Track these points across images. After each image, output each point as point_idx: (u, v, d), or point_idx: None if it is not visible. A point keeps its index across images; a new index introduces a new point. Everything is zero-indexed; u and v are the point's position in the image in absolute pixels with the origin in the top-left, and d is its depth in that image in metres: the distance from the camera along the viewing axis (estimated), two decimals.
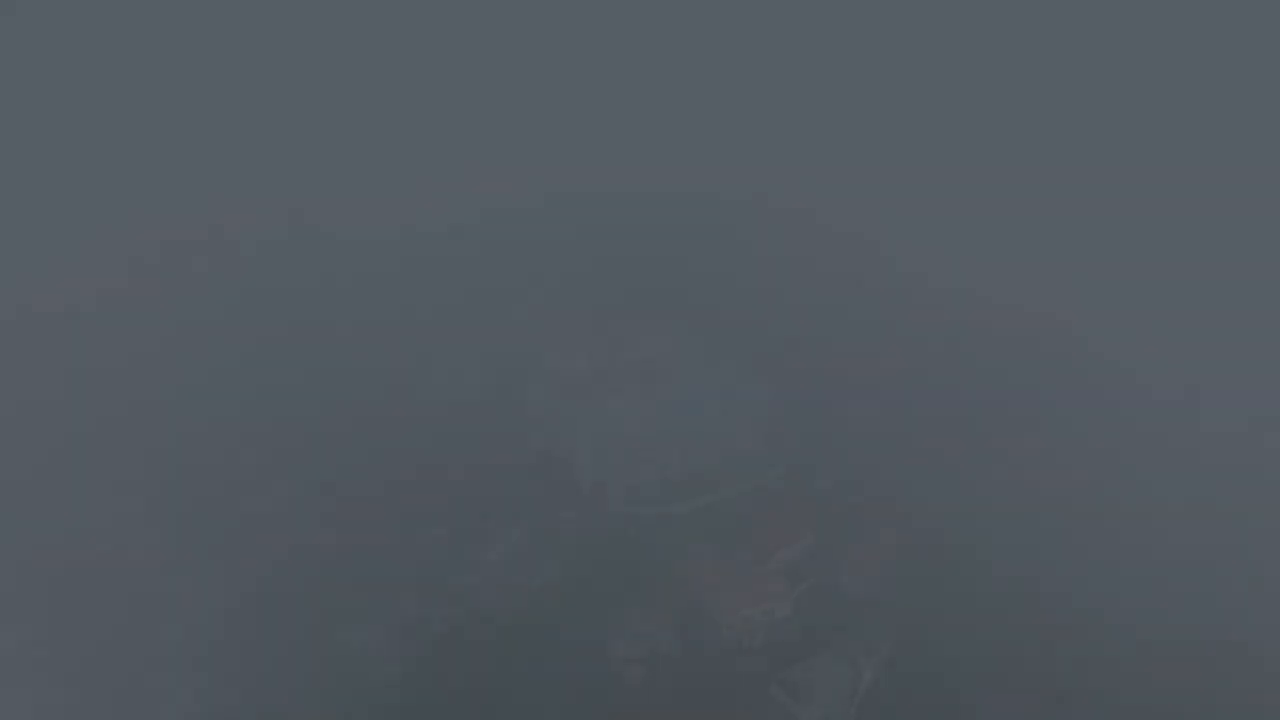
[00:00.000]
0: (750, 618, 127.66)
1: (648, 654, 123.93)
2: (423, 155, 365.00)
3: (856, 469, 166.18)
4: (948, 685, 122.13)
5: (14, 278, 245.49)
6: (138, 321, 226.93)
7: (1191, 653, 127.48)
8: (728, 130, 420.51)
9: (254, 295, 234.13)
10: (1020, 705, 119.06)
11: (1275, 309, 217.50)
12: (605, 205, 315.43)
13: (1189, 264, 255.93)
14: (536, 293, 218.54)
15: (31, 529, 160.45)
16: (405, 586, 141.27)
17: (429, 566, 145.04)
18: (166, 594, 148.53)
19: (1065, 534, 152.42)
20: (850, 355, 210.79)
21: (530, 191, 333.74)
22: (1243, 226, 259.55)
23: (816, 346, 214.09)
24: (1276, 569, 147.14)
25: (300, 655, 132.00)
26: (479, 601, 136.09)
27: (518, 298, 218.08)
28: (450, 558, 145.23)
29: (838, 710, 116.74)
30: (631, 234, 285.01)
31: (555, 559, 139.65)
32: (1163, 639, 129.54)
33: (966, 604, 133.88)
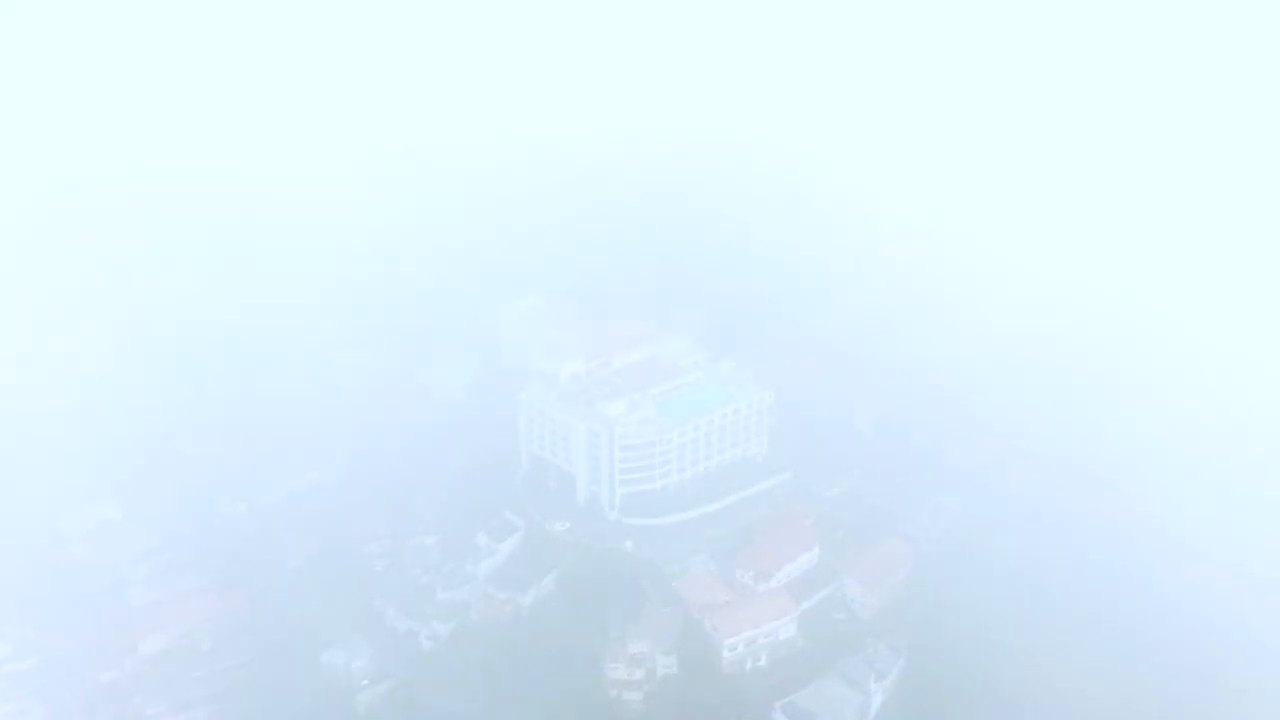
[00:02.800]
0: (753, 638, 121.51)
1: (645, 676, 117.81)
2: None
3: (865, 475, 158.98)
4: (962, 711, 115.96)
5: None
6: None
7: (1215, 676, 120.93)
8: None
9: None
10: None
11: None
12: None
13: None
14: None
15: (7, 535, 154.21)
16: (392, 600, 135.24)
17: (416, 578, 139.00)
18: (146, 605, 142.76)
19: (1085, 541, 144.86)
20: (860, 353, 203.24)
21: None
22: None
23: (824, 343, 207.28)
24: None
25: (284, 678, 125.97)
26: (468, 617, 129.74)
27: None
28: (438, 569, 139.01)
29: None
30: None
31: (549, 573, 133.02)
32: (1186, 661, 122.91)
33: (982, 621, 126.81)
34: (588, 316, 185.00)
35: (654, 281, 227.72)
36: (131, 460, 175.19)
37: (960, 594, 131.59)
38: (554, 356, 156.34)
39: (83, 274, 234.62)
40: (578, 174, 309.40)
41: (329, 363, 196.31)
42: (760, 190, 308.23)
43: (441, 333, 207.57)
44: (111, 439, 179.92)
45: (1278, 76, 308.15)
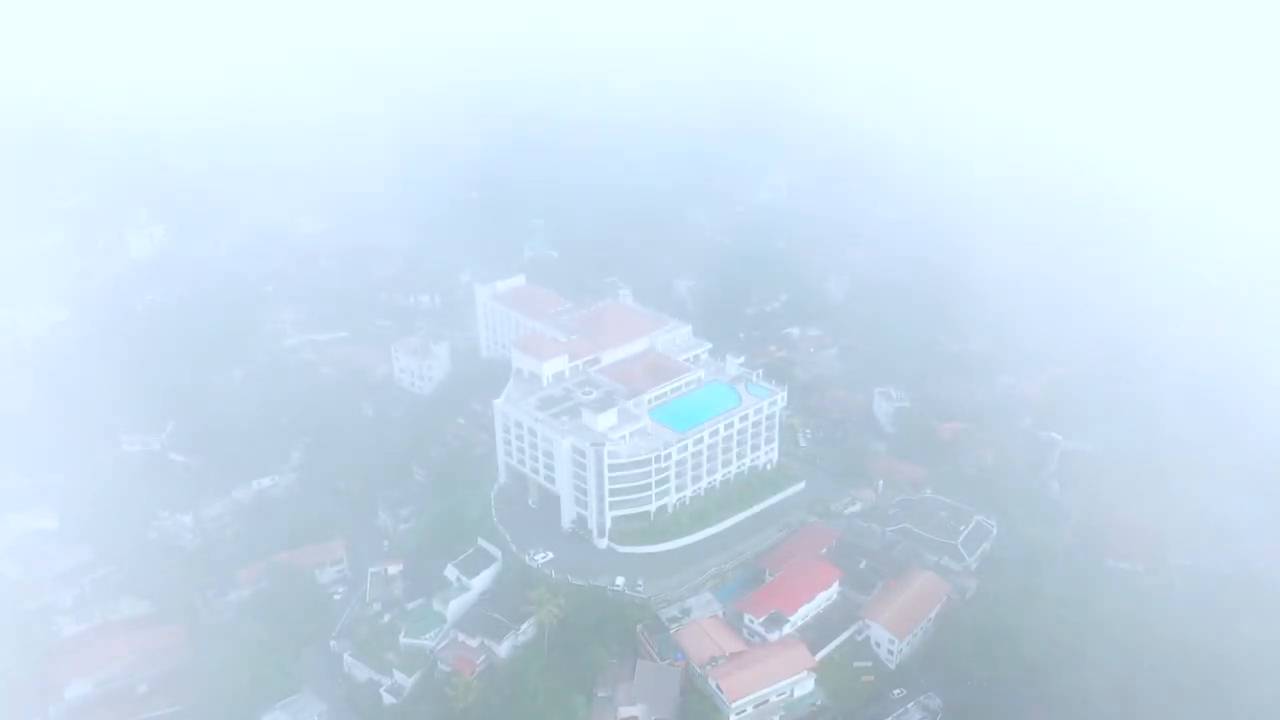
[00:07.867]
0: (765, 698, 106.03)
1: None
2: None
3: (889, 485, 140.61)
4: None
5: None
6: None
7: None
8: None
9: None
10: None
11: None
12: None
13: None
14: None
15: None
16: (350, 643, 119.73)
17: (377, 616, 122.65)
18: (75, 638, 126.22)
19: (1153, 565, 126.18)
20: (871, 350, 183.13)
21: None
22: None
23: (832, 339, 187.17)
24: None
25: None
26: (435, 668, 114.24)
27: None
28: (402, 606, 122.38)
29: None
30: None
31: (527, 618, 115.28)
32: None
33: (1029, 673, 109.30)
34: (574, 300, 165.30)
35: (647, 260, 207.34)
36: (67, 459, 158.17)
37: (1003, 637, 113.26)
38: (535, 352, 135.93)
39: (15, 247, 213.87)
40: (559, 139, 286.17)
41: (284, 351, 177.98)
42: (764, 142, 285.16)
43: (411, 316, 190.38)
44: (46, 435, 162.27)
45: None
